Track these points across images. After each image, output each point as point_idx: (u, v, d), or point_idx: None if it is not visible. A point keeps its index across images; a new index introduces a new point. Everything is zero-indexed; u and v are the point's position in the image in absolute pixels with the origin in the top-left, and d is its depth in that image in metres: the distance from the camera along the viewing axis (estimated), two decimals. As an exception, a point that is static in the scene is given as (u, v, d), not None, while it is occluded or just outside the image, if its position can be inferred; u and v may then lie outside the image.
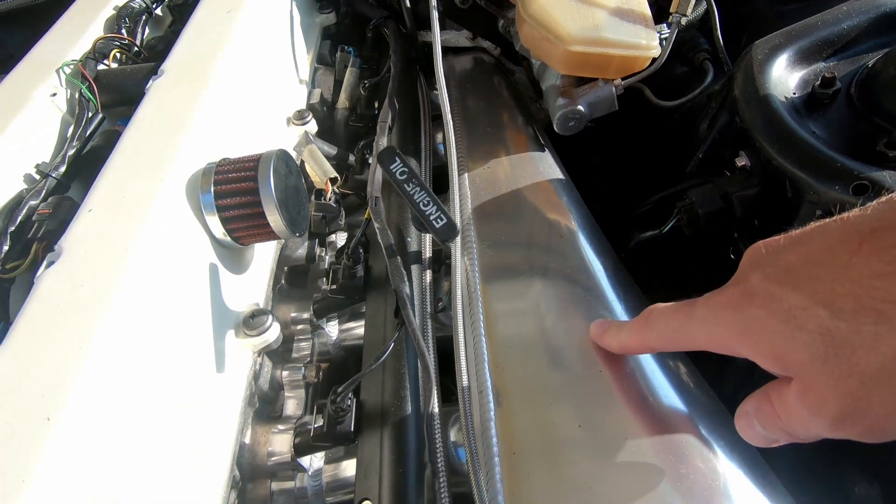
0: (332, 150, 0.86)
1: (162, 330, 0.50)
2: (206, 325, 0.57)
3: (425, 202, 0.49)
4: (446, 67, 1.21)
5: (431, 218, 0.48)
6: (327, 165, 0.76)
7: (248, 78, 0.81)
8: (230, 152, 0.69)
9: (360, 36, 1.18)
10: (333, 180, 0.75)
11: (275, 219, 0.58)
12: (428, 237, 0.82)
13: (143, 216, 0.53)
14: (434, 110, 1.14)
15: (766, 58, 0.71)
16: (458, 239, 0.76)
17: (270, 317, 0.61)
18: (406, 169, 0.51)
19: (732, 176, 0.70)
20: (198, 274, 0.58)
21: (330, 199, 0.75)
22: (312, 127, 0.90)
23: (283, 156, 0.61)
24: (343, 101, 0.99)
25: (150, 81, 0.75)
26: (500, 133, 1.02)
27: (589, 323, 0.71)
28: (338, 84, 1.06)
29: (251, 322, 0.60)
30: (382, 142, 0.81)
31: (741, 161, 0.67)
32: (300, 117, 0.88)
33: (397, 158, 0.51)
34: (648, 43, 0.82)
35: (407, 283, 0.61)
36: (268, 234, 0.60)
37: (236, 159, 0.61)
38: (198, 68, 0.74)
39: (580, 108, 0.90)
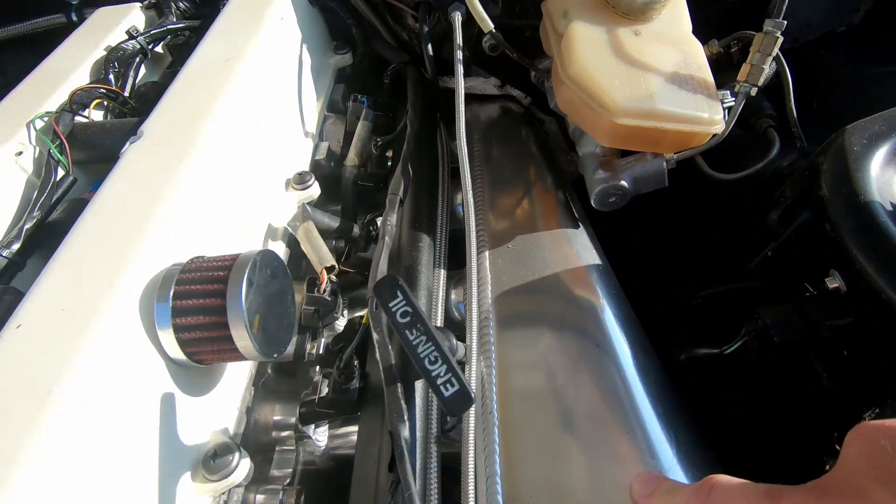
0: (334, 223, 0.75)
1: (93, 479, 0.39)
2: (151, 469, 0.46)
3: (432, 358, 0.37)
4: (470, 115, 1.10)
5: (439, 382, 0.36)
6: (324, 251, 0.65)
7: (243, 138, 0.70)
8: (208, 239, 0.58)
9: (377, 80, 1.08)
10: (330, 269, 0.64)
11: (245, 344, 0.46)
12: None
13: (81, 334, 0.42)
14: (454, 161, 1.03)
15: (865, 151, 0.58)
16: (475, 345, 0.64)
17: (237, 455, 0.50)
18: (409, 309, 0.39)
19: (818, 297, 0.56)
20: (146, 403, 0.46)
21: (325, 290, 0.63)
22: (315, 191, 0.79)
23: (264, 260, 0.50)
24: (352, 157, 0.88)
25: (128, 143, 0.65)
26: (527, 199, 0.90)
27: (628, 465, 0.58)
28: (348, 136, 0.95)
29: (212, 464, 0.49)
30: (391, 220, 0.70)
31: (833, 283, 0.54)
32: (301, 181, 0.77)
33: (399, 293, 0.40)
34: (711, 117, 0.69)
35: (407, 420, 0.49)
36: (237, 356, 0.48)
37: (207, 262, 0.50)
38: (182, 130, 0.64)
39: (623, 183, 0.77)
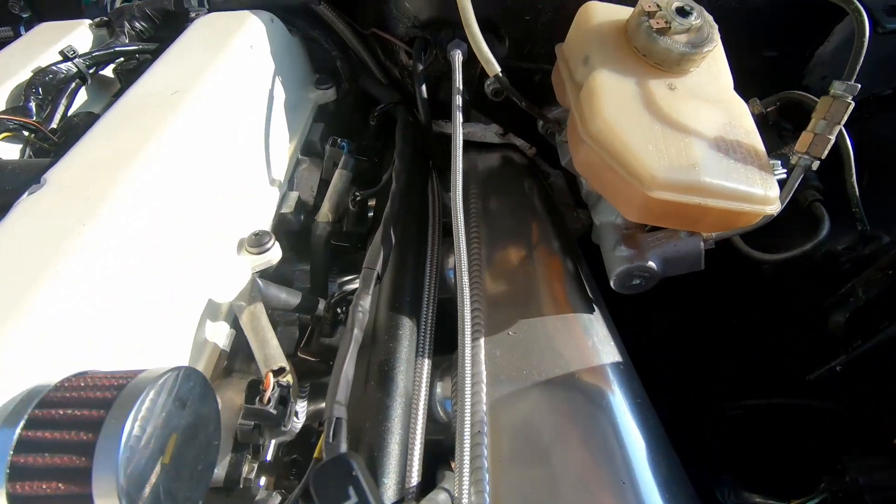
0: (294, 299, 0.60)
1: None
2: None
3: None
4: (467, 165, 0.96)
5: None
6: (273, 345, 0.50)
7: (182, 189, 0.55)
8: (111, 339, 0.43)
9: (362, 120, 0.94)
10: (278, 371, 0.49)
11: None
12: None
13: None
14: (446, 215, 0.89)
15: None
16: (466, 474, 0.48)
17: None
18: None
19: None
20: None
21: (269, 400, 0.47)
22: (274, 255, 0.64)
23: (169, 385, 0.35)
24: (325, 211, 0.74)
25: (25, 194, 0.50)
26: (532, 271, 0.76)
27: None
28: (324, 184, 0.81)
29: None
30: (363, 304, 0.55)
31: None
32: (258, 243, 0.62)
33: (351, 492, 0.24)
34: (766, 194, 0.56)
35: None
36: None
37: (85, 386, 0.35)
38: (96, 180, 0.49)
39: (651, 264, 0.64)
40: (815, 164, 0.58)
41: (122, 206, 0.47)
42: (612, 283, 0.67)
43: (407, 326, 0.62)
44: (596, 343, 0.64)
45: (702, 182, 0.55)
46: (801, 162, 0.58)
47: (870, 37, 0.56)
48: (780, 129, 0.79)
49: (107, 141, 0.55)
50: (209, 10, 0.83)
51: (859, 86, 0.55)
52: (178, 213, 0.54)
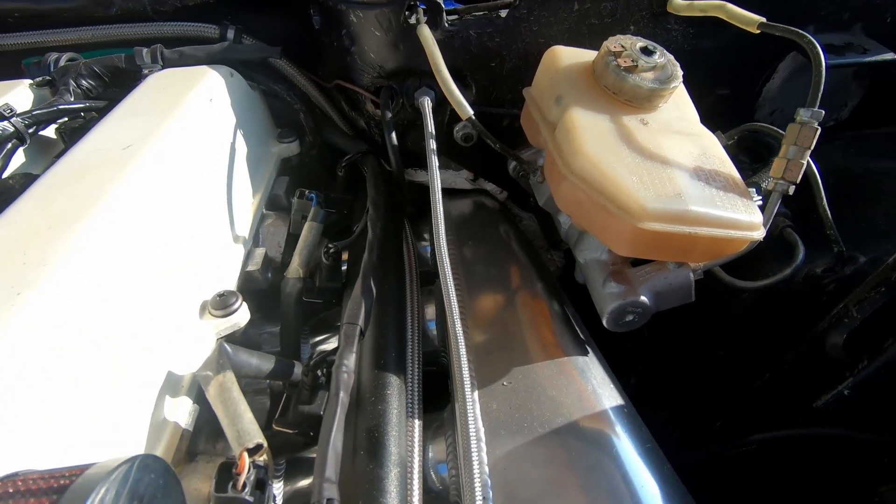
0: (266, 365, 0.53)
1: None
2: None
3: None
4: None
5: None
6: (246, 420, 0.43)
7: (133, 250, 0.49)
8: (47, 434, 0.35)
9: (329, 172, 0.92)
10: (254, 450, 0.42)
11: None
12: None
13: None
14: (421, 265, 0.86)
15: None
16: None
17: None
18: None
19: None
20: None
21: (244, 486, 0.40)
22: (242, 318, 0.58)
23: (126, 479, 0.28)
24: (296, 267, 0.69)
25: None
26: (518, 315, 0.72)
27: None
28: (292, 239, 0.76)
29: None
30: (348, 363, 0.50)
31: None
32: (223, 305, 0.56)
33: None
34: (751, 220, 0.56)
35: None
36: None
37: (14, 493, 0.28)
38: (33, 246, 0.43)
39: (644, 299, 0.62)
40: (791, 189, 0.58)
41: (63, 272, 0.41)
42: (604, 322, 0.64)
43: (394, 385, 0.56)
44: (595, 387, 0.61)
45: (690, 211, 0.54)
46: (778, 187, 0.58)
47: (826, 64, 0.59)
48: (738, 162, 0.81)
49: (47, 202, 0.49)
50: (163, 67, 0.79)
51: (823, 112, 0.57)
52: (129, 276, 0.48)
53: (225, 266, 0.66)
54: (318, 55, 0.92)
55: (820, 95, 0.57)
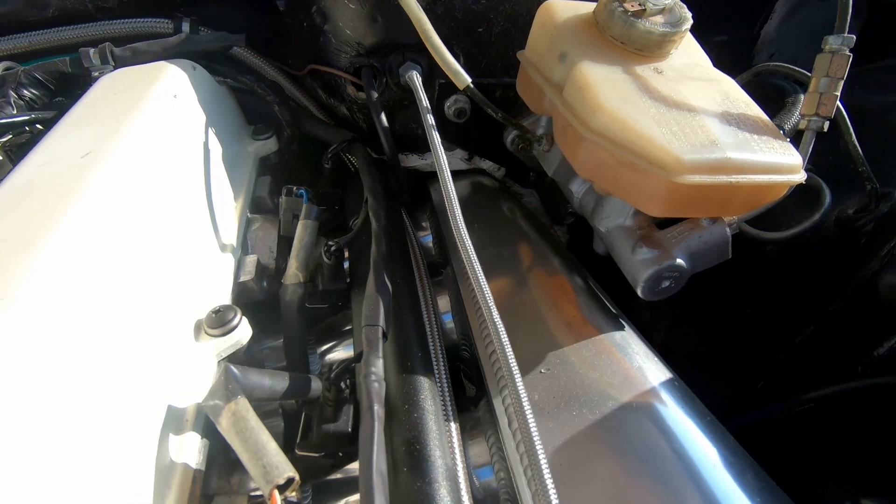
0: (280, 384, 0.47)
1: None
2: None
3: None
4: (437, 197, 0.88)
5: None
6: (271, 452, 0.37)
7: (105, 273, 0.42)
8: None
9: (312, 167, 0.84)
10: (286, 485, 0.36)
11: None
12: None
13: None
14: (427, 256, 0.79)
15: None
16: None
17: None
18: None
19: None
20: None
21: (278, 528, 0.34)
22: (244, 334, 0.51)
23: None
24: (294, 271, 0.62)
25: None
26: (541, 295, 0.67)
27: None
28: (284, 242, 0.69)
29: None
30: (376, 369, 0.43)
31: None
32: (220, 323, 0.49)
33: None
34: (791, 162, 0.51)
35: None
36: None
37: None
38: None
39: (680, 262, 0.57)
40: (826, 125, 0.54)
41: (24, 305, 0.34)
42: (639, 291, 0.59)
43: (426, 388, 0.50)
44: (639, 363, 0.56)
45: (729, 158, 0.49)
46: (812, 125, 0.54)
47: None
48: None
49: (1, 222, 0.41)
50: (115, 67, 0.71)
51: (854, 37, 0.52)
52: (105, 303, 0.41)
53: (215, 279, 0.58)
54: (285, 41, 0.84)
55: (848, 18, 0.52)
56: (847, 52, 0.52)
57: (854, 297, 0.57)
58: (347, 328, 0.70)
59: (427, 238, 0.86)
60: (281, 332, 0.65)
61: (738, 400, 0.71)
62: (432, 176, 0.88)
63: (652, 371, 0.55)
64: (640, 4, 0.57)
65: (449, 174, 0.57)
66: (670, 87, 0.56)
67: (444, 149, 0.86)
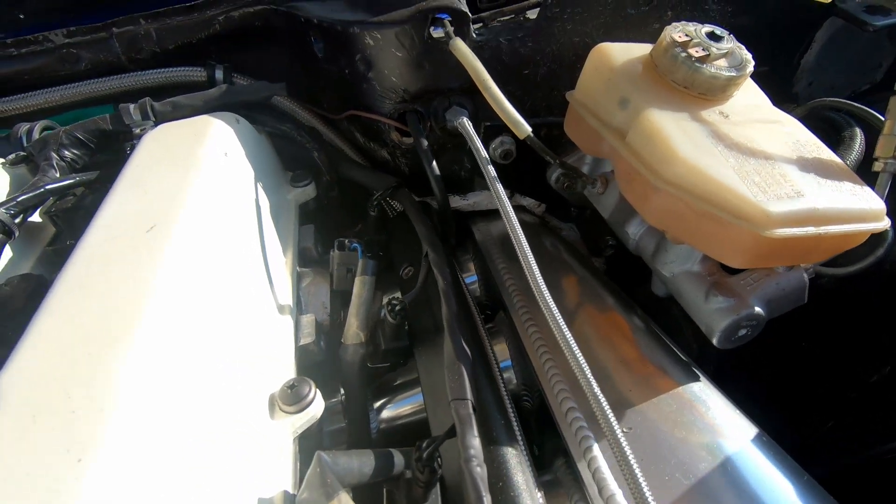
0: (367, 463, 0.44)
1: None
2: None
3: None
4: (480, 236, 0.87)
5: None
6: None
7: (187, 363, 0.40)
8: None
9: (354, 213, 0.83)
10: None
11: None
12: None
13: None
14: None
15: None
16: None
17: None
18: None
19: None
20: None
21: None
22: (318, 408, 0.49)
23: None
24: (354, 330, 0.60)
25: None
26: (604, 343, 0.65)
27: None
28: (336, 296, 0.67)
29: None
30: (475, 448, 0.41)
31: None
32: (296, 399, 0.47)
33: None
34: (874, 208, 0.50)
35: None
36: None
37: None
38: (76, 394, 0.33)
39: (758, 310, 0.55)
40: (903, 167, 0.53)
41: (122, 418, 0.32)
42: (714, 341, 0.58)
43: (513, 459, 0.48)
44: (723, 418, 0.54)
45: (816, 210, 0.48)
46: (889, 167, 0.53)
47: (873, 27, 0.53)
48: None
49: (74, 317, 0.39)
50: (156, 123, 0.69)
51: (930, 79, 0.52)
52: (193, 394, 0.38)
53: (278, 345, 0.56)
54: (321, 86, 0.83)
55: (923, 62, 0.52)
56: (924, 95, 0.52)
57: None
58: (399, 382, 0.68)
59: (472, 279, 0.84)
60: (334, 388, 0.63)
61: (805, 441, 0.69)
62: (473, 215, 0.86)
63: (739, 427, 0.53)
64: (703, 49, 0.56)
65: (516, 220, 0.56)
66: (740, 133, 0.55)
67: (486, 189, 0.85)
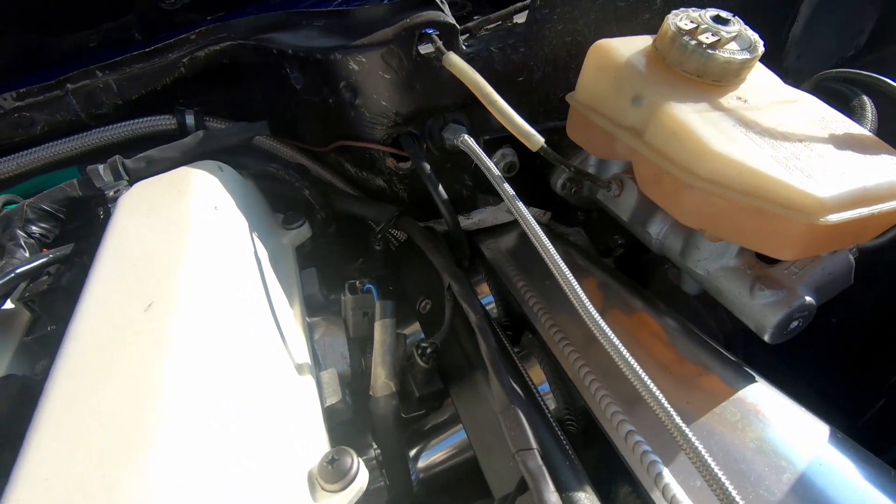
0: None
1: None
2: None
3: None
4: (489, 254, 0.82)
5: None
6: None
7: (213, 451, 0.35)
8: None
9: (356, 249, 0.77)
10: None
11: None
12: None
13: None
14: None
15: None
16: None
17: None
18: None
19: None
20: None
21: None
22: (363, 480, 0.43)
23: None
24: (383, 380, 0.55)
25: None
26: (645, 353, 0.62)
27: None
28: (354, 343, 0.62)
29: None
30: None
31: None
32: (339, 476, 0.42)
33: None
34: (919, 179, 0.48)
35: None
36: None
37: None
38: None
39: (809, 299, 0.52)
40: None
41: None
42: (766, 337, 0.54)
43: (582, 497, 0.44)
44: (789, 420, 0.51)
45: (866, 188, 0.45)
46: (922, 134, 0.51)
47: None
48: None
49: (80, 429, 0.33)
50: (131, 183, 0.63)
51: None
52: (222, 481, 0.33)
53: (304, 411, 0.51)
54: (303, 119, 0.78)
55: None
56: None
57: None
58: (429, 426, 0.63)
59: (486, 300, 0.80)
60: (365, 442, 0.57)
61: (855, 421, 0.67)
62: (480, 233, 0.82)
63: (809, 427, 0.50)
64: (713, 35, 0.53)
65: (541, 231, 0.51)
66: (766, 117, 0.52)
67: (491, 203, 0.81)
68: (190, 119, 0.76)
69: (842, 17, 0.83)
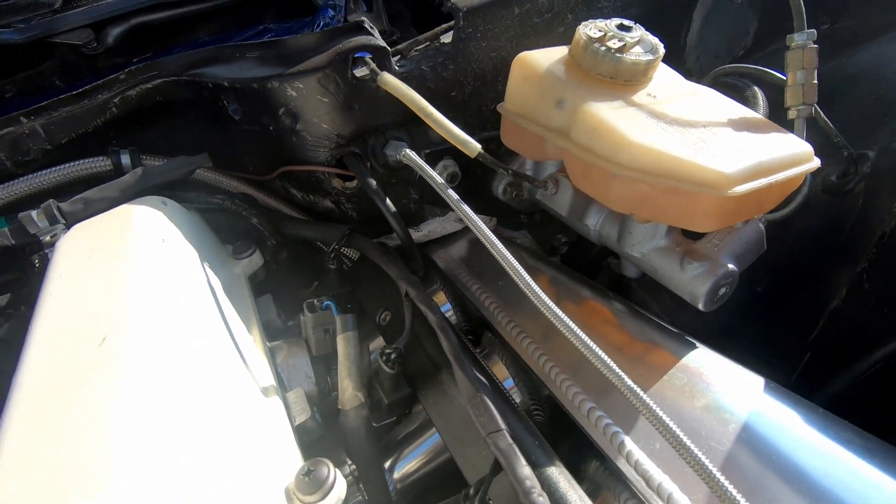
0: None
1: None
2: None
3: None
4: (443, 264, 0.85)
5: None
6: None
7: (175, 483, 0.34)
8: None
9: (310, 272, 0.78)
10: None
11: None
12: None
13: None
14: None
15: None
16: None
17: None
18: None
19: None
20: None
21: None
22: (342, 489, 0.44)
23: None
24: (351, 392, 0.55)
25: None
26: (598, 336, 0.65)
27: None
28: (317, 361, 0.62)
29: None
30: (531, 479, 0.39)
31: None
32: (315, 486, 0.42)
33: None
34: (804, 151, 0.55)
35: None
36: None
37: None
38: None
39: (732, 266, 0.58)
40: (813, 111, 0.59)
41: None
42: (700, 305, 0.60)
43: (561, 481, 0.46)
44: (731, 378, 0.56)
45: (762, 162, 0.51)
46: (802, 112, 0.59)
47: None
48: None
49: (38, 470, 0.32)
50: (68, 226, 0.61)
51: (815, 31, 0.58)
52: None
53: (274, 433, 0.50)
54: (243, 148, 0.78)
55: (804, 17, 0.58)
56: (813, 45, 0.58)
57: (877, 255, 0.62)
58: (401, 436, 0.64)
59: (444, 308, 0.82)
60: (338, 459, 0.57)
61: (790, 376, 0.73)
62: (430, 244, 0.85)
63: (747, 382, 0.55)
64: (619, 41, 0.60)
65: (489, 232, 0.54)
66: (672, 108, 0.58)
67: (438, 214, 0.84)
68: (126, 159, 0.75)
69: (728, 22, 0.93)
